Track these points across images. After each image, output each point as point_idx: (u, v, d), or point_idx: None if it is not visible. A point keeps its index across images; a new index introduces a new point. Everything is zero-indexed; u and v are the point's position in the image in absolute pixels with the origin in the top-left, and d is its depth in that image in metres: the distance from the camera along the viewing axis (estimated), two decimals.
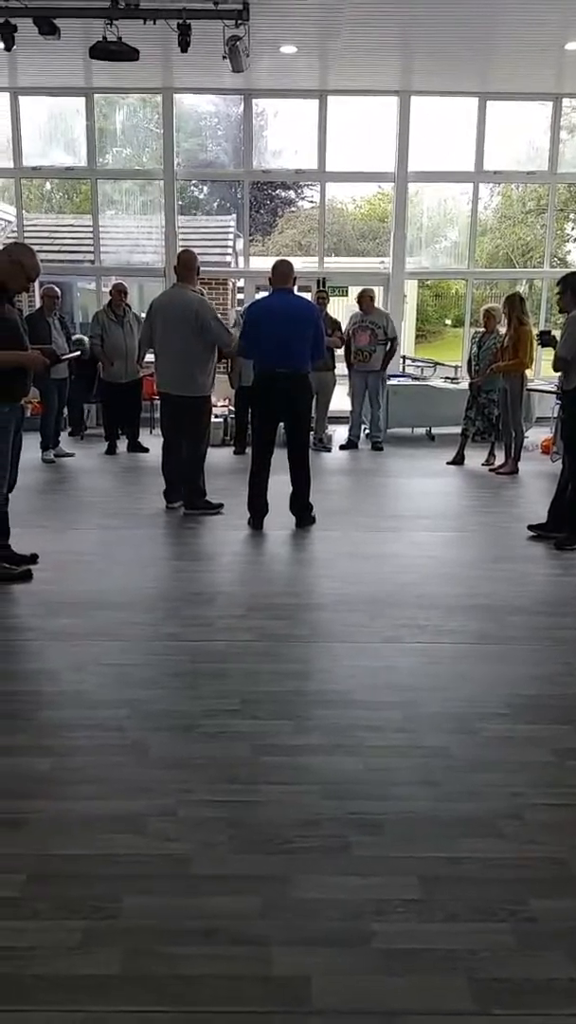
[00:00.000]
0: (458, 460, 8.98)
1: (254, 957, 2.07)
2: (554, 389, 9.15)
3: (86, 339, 9.55)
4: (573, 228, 22.72)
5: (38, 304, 9.24)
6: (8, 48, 8.44)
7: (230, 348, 6.63)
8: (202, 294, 6.63)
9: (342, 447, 9.95)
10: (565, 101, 11.85)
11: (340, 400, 10.38)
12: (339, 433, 10.30)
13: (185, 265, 6.51)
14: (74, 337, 9.38)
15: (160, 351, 6.54)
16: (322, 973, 2.02)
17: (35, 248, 4.87)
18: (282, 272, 6.17)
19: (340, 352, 9.80)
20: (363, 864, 2.42)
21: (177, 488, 6.76)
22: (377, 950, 2.10)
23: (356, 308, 9.94)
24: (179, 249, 9.51)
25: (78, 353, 7.89)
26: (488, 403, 8.82)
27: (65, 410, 9.56)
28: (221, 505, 6.66)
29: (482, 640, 4.15)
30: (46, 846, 2.49)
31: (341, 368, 9.98)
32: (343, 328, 9.91)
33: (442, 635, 4.20)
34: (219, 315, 6.51)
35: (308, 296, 9.21)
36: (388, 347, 9.81)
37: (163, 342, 6.46)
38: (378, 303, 10.33)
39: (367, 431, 10.17)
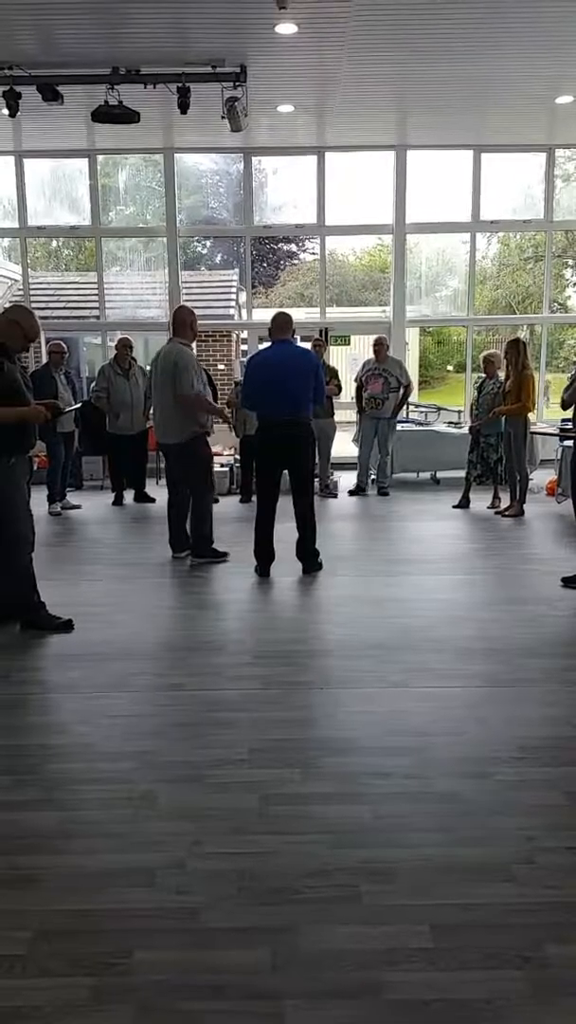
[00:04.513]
0: (463, 503, 9.01)
1: (266, 1012, 2.04)
2: (557, 431, 9.23)
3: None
4: (573, 274, 23.02)
5: (45, 359, 9.36)
6: (13, 114, 8.65)
7: (189, 396, 6.40)
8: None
9: (350, 492, 9.99)
10: (558, 151, 12.06)
11: (343, 446, 10.44)
12: (345, 479, 10.35)
13: (175, 321, 6.68)
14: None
15: (153, 402, 6.81)
16: None
17: (41, 305, 4.97)
18: (280, 323, 6.30)
19: (338, 400, 9.95)
20: (374, 913, 2.39)
21: (183, 537, 6.79)
22: (389, 1001, 2.06)
23: (360, 356, 10.07)
24: (183, 303, 9.70)
25: (79, 406, 7.96)
26: (487, 447, 8.86)
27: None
28: (227, 553, 6.68)
29: (493, 683, 4.12)
30: (53, 902, 2.47)
31: (340, 415, 10.13)
32: (356, 375, 10.09)
33: (452, 679, 4.17)
34: (200, 366, 6.57)
35: (308, 346, 9.34)
36: (400, 393, 9.93)
37: (154, 393, 6.71)
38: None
39: (373, 477, 10.23)
